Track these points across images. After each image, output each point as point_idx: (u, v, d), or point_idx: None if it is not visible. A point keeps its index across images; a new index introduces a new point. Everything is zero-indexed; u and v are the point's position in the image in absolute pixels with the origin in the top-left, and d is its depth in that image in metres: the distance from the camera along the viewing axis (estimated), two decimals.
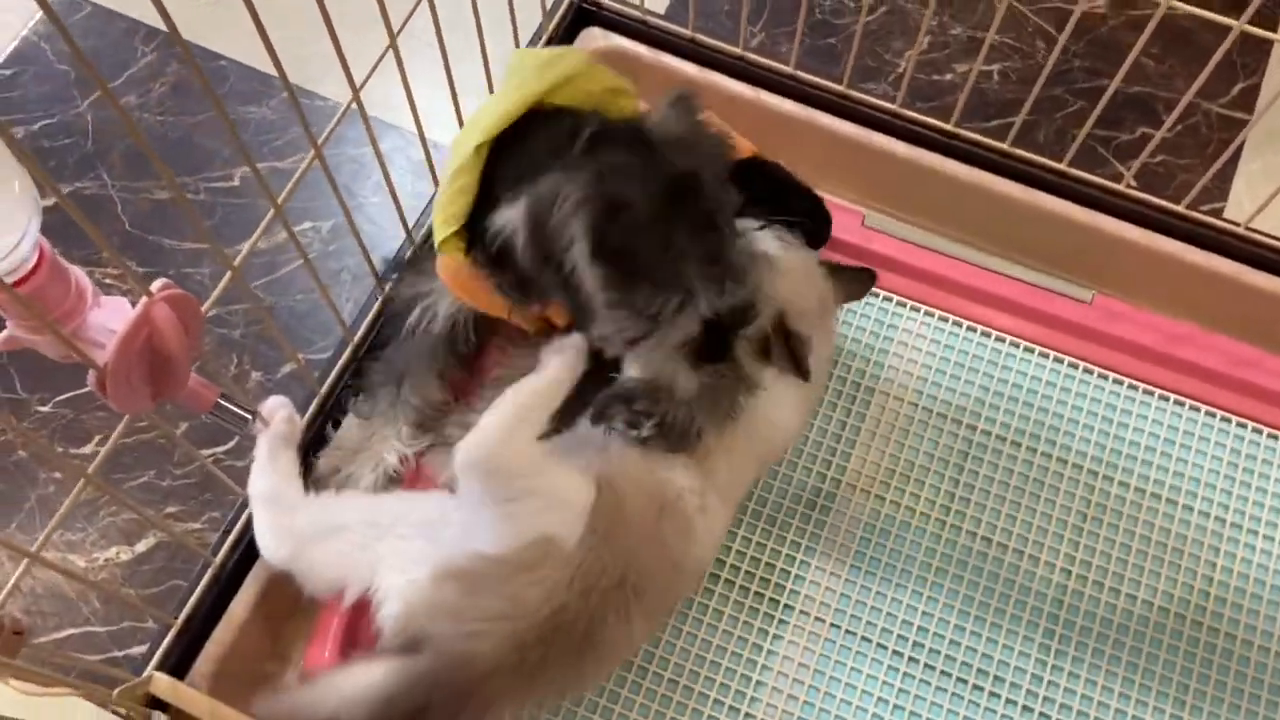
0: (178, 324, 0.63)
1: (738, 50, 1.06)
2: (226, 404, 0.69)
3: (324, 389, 0.90)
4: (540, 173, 0.70)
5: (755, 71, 1.06)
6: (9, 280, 0.58)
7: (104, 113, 1.14)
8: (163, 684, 0.79)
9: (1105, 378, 0.97)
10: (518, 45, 1.04)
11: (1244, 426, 0.94)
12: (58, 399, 1.00)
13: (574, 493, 0.75)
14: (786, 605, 0.88)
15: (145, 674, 0.79)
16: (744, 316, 0.76)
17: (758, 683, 0.86)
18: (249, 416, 0.69)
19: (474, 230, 0.77)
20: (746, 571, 0.89)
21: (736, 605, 0.88)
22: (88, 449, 0.98)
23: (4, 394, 1.00)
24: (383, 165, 0.84)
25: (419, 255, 0.89)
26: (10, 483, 0.97)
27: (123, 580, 0.93)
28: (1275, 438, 0.94)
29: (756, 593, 0.89)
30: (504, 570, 0.73)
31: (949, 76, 1.16)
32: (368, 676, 0.76)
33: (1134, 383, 0.96)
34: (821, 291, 0.87)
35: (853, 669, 0.86)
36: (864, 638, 0.87)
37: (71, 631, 0.91)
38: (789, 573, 0.89)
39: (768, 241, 0.84)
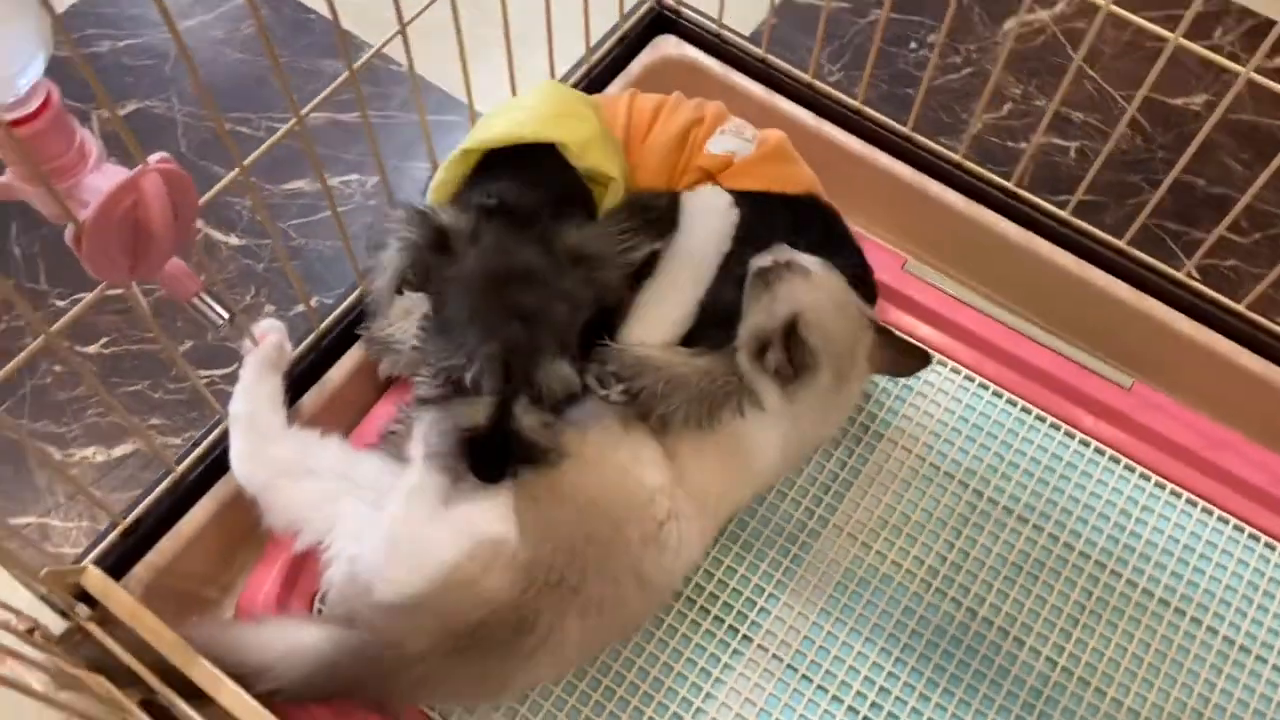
0: (166, 201, 0.62)
1: (807, 78, 1.04)
2: (206, 299, 0.68)
3: (322, 326, 0.89)
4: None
5: (821, 101, 1.04)
6: (7, 118, 0.58)
7: (188, 41, 1.17)
8: (94, 577, 0.77)
9: (1132, 470, 0.91)
10: (589, 44, 1.04)
11: (1271, 548, 0.87)
12: (74, 295, 1.01)
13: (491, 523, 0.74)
14: (745, 636, 0.83)
15: (80, 564, 0.78)
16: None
17: (698, 709, 0.80)
18: (224, 318, 0.68)
19: None
20: (711, 593, 0.85)
21: (694, 625, 0.84)
22: (93, 349, 0.99)
23: (27, 283, 1.02)
24: (425, 129, 0.84)
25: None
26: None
27: (92, 481, 0.92)
28: None
29: (717, 617, 0.84)
30: (444, 586, 0.72)
31: (1023, 145, 1.12)
32: (309, 638, 0.74)
33: (1161, 480, 0.90)
34: (852, 326, 0.83)
35: (800, 716, 0.80)
36: (819, 686, 0.81)
37: (30, 520, 0.91)
38: (754, 603, 0.84)
39: (809, 258, 0.83)
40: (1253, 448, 0.89)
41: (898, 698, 0.81)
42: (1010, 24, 1.20)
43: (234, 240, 1.05)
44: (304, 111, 0.72)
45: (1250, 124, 1.13)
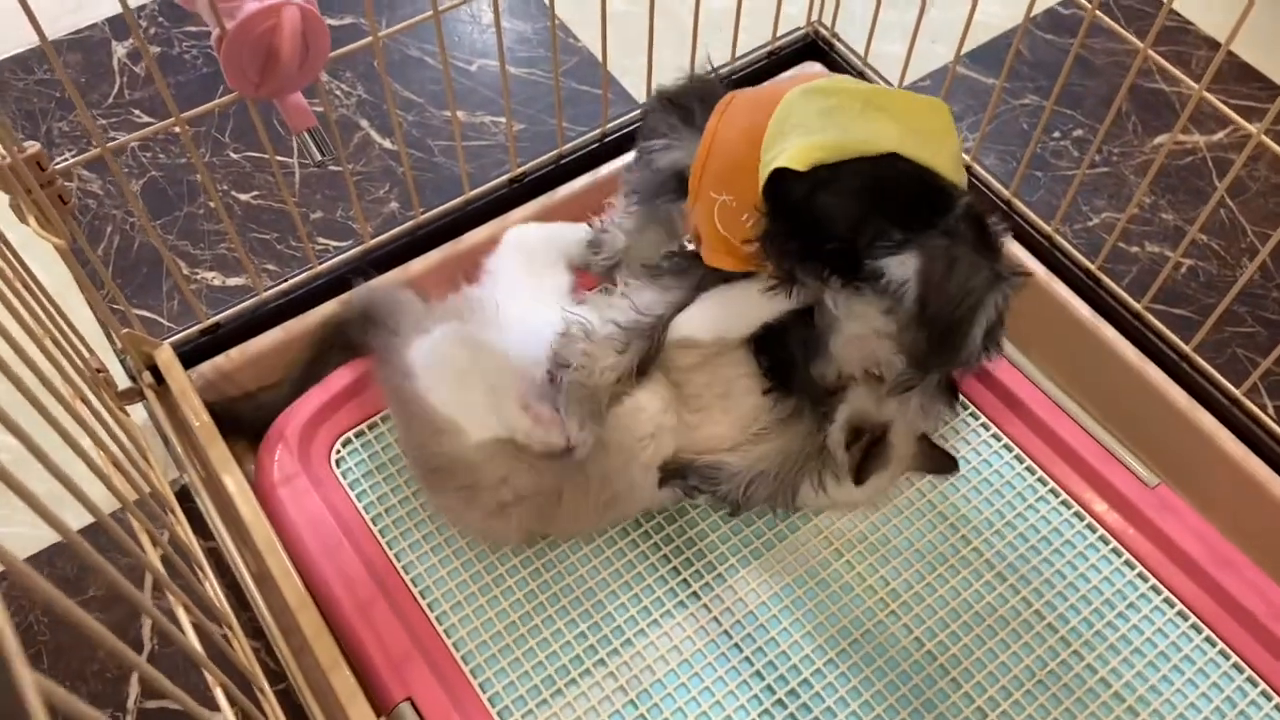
0: (298, 34, 0.74)
1: None
2: (312, 136, 0.80)
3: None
4: (920, 226, 0.73)
5: None
6: None
7: None
8: (165, 353, 0.90)
9: (1131, 566, 0.88)
10: (734, 52, 1.12)
11: (1253, 684, 0.83)
12: (246, 152, 1.17)
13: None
14: (695, 592, 0.87)
15: (158, 340, 0.91)
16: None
17: (628, 640, 0.84)
18: (321, 155, 0.80)
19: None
20: (678, 546, 0.89)
21: (651, 567, 0.88)
22: (244, 196, 1.14)
23: (215, 133, 1.18)
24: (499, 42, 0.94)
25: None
26: (176, 193, 1.14)
27: (203, 297, 1.06)
28: None
29: (675, 567, 0.88)
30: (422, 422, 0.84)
31: (1135, 249, 1.12)
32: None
33: (1157, 585, 0.87)
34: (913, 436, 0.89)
35: (721, 678, 0.83)
36: (747, 658, 0.84)
37: (144, 313, 1.05)
38: (714, 567, 0.88)
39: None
40: (1262, 576, 0.85)
41: (818, 693, 0.82)
42: (1162, 139, 1.20)
43: (387, 144, 1.18)
44: (443, 9, 0.84)
45: None
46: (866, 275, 0.73)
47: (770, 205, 0.76)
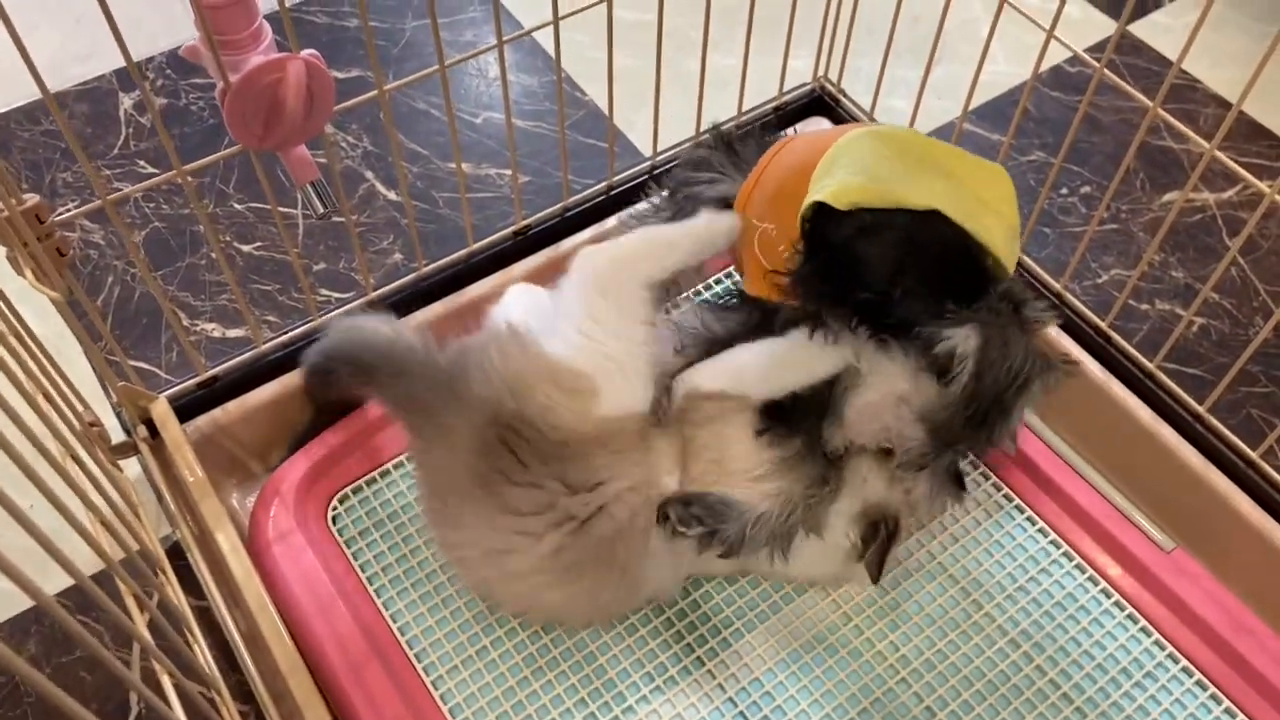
0: (304, 88, 0.74)
1: None
2: (315, 188, 0.79)
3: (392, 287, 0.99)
4: (965, 299, 0.72)
5: None
6: None
7: None
8: (160, 406, 0.88)
9: (1147, 633, 0.86)
10: (741, 107, 1.12)
11: None
12: (250, 203, 1.16)
13: (630, 372, 0.79)
14: (699, 658, 0.84)
15: (154, 394, 0.89)
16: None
17: (630, 708, 0.82)
18: (324, 207, 0.79)
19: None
20: (681, 608, 0.87)
21: (654, 631, 0.85)
22: (247, 248, 1.13)
23: (220, 184, 1.18)
24: (503, 80, 0.93)
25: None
26: (179, 244, 1.13)
27: (203, 350, 1.05)
28: None
29: (679, 631, 0.85)
30: (539, 372, 0.78)
31: (1145, 307, 1.11)
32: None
33: (1175, 653, 0.85)
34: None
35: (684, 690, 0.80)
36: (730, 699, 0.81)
37: (142, 364, 1.04)
38: (719, 631, 0.85)
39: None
40: (1278, 642, 0.83)
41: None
42: (1172, 196, 1.20)
43: (392, 196, 1.18)
44: (449, 64, 0.84)
45: None
46: (910, 335, 0.72)
47: (807, 241, 0.74)
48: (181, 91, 1.26)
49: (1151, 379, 0.95)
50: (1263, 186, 0.82)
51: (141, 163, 1.20)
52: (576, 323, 0.79)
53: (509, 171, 1.21)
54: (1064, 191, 1.20)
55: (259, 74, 0.72)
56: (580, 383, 0.77)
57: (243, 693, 0.81)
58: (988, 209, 0.75)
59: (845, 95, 1.15)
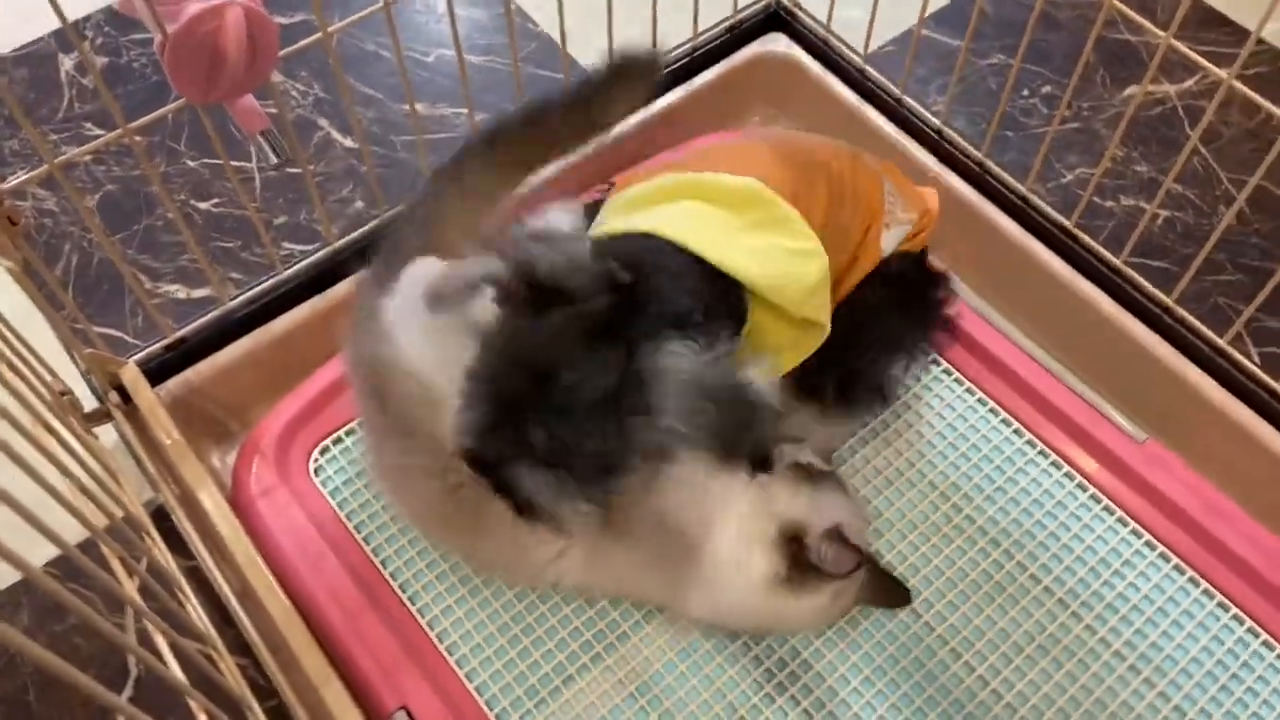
0: (244, 34, 0.72)
1: (897, 92, 1.07)
2: (268, 138, 0.77)
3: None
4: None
5: (906, 116, 1.06)
6: None
7: None
8: (130, 371, 0.87)
9: (1124, 523, 0.88)
10: (695, 29, 1.10)
11: (1254, 634, 0.83)
12: (203, 159, 1.14)
13: None
14: None
15: (123, 359, 0.88)
16: None
17: (624, 634, 0.83)
18: (277, 157, 0.77)
19: None
20: None
21: None
22: (204, 205, 1.11)
23: (170, 141, 1.16)
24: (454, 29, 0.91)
25: None
26: (133, 205, 1.11)
27: (169, 313, 1.04)
28: None
29: None
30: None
31: (1110, 204, 1.11)
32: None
33: (1152, 540, 0.87)
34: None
35: (720, 665, 0.82)
36: (745, 643, 0.83)
37: (108, 330, 1.03)
38: None
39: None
40: (1255, 525, 0.85)
41: (818, 673, 0.81)
42: (1132, 90, 1.19)
43: (348, 143, 1.16)
44: (392, 1, 0.82)
45: None
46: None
47: None
48: (122, 49, 1.23)
49: (1119, 274, 0.96)
50: (1220, 73, 0.82)
51: (89, 125, 1.17)
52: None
53: (465, 110, 1.19)
54: (1025, 93, 1.19)
55: (196, 23, 0.70)
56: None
57: (240, 645, 0.82)
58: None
59: (801, 8, 1.13)
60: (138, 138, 0.76)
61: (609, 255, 0.69)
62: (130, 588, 0.64)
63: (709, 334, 0.69)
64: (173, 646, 0.58)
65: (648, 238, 0.71)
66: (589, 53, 1.20)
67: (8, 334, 0.76)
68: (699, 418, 0.67)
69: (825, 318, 0.75)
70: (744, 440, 0.74)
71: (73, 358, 0.87)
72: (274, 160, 0.78)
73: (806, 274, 0.73)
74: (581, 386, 0.65)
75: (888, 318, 0.81)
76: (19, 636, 0.35)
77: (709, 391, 0.67)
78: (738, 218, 0.73)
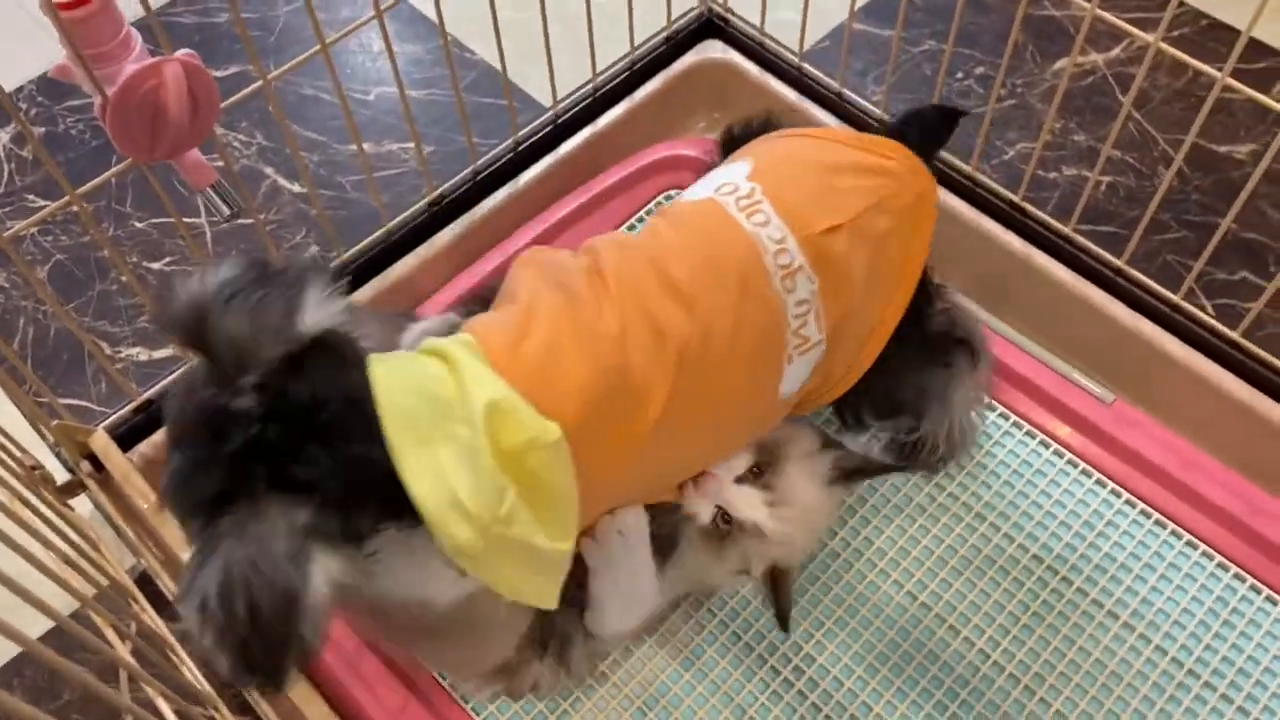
0: (184, 88, 0.72)
1: (836, 86, 1.08)
2: (216, 191, 0.77)
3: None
4: None
5: (847, 109, 1.08)
6: (58, 1, 0.68)
7: None
8: (99, 439, 0.86)
9: (1102, 484, 0.89)
10: (633, 43, 1.11)
11: (1241, 580, 0.84)
12: (151, 219, 1.13)
13: None
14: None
15: (91, 426, 0.87)
16: None
17: (626, 649, 0.83)
18: (229, 210, 0.77)
19: None
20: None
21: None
22: (157, 265, 1.10)
23: (116, 205, 1.14)
24: (392, 58, 0.92)
25: None
26: (85, 273, 1.10)
27: (133, 377, 1.02)
28: (1272, 600, 0.83)
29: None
30: None
31: (1053, 175, 1.13)
32: None
33: (1132, 498, 0.88)
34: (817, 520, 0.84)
35: (725, 668, 0.82)
36: (747, 644, 0.83)
37: (72, 401, 1.01)
38: None
39: (754, 510, 0.77)
40: (1230, 474, 0.87)
41: (822, 665, 0.82)
42: (1062, 63, 1.22)
43: (296, 188, 1.15)
44: (329, 41, 0.82)
45: None
46: None
47: None
48: (58, 117, 1.22)
49: (1070, 242, 0.98)
50: (1148, 37, 0.84)
51: (31, 197, 1.15)
52: None
53: (411, 145, 1.19)
54: (960, 75, 1.22)
55: (135, 82, 0.70)
56: None
57: (239, 704, 0.81)
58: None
59: (734, 14, 1.15)
60: (85, 203, 0.75)
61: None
62: (124, 652, 0.63)
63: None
64: (178, 713, 0.57)
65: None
66: (530, 79, 1.21)
67: None
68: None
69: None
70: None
71: (39, 431, 0.85)
72: (226, 213, 0.77)
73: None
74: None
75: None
76: (21, 704, 0.35)
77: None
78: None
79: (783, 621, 0.83)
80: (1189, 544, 0.86)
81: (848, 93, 1.08)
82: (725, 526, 0.77)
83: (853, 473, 0.85)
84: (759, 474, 0.78)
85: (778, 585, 0.82)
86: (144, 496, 0.83)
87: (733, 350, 0.68)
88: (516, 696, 0.80)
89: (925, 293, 0.80)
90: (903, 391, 0.82)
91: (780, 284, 0.69)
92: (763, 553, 0.80)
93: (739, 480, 0.77)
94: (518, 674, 0.77)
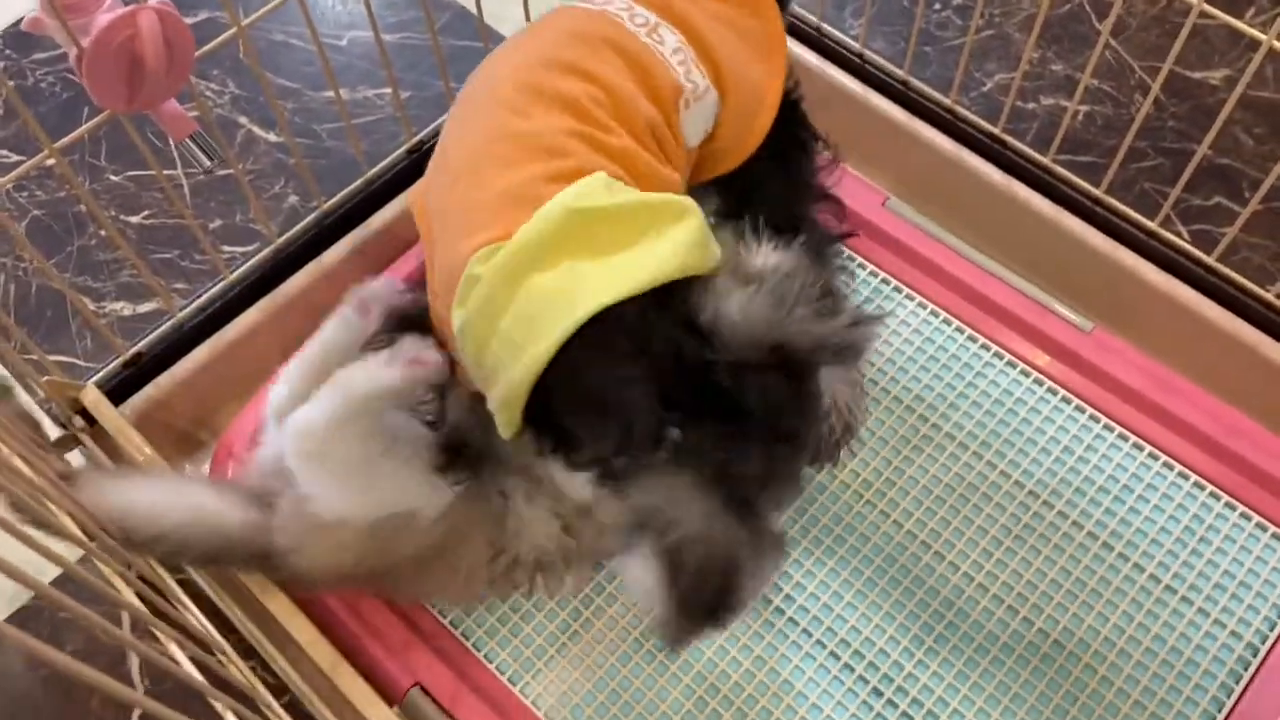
0: (159, 38, 0.71)
1: (815, 20, 1.08)
2: (196, 140, 0.77)
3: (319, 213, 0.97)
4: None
5: (826, 44, 1.08)
6: None
7: None
8: (90, 394, 0.87)
9: (1082, 410, 0.91)
10: None
11: (1216, 498, 0.87)
12: (128, 173, 1.12)
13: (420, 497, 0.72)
14: None
15: (81, 383, 0.87)
16: None
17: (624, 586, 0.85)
18: (209, 161, 0.77)
19: None
20: None
21: None
22: (135, 219, 1.09)
23: (90, 159, 1.13)
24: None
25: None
26: (63, 228, 1.09)
27: (117, 331, 1.02)
28: (1246, 517, 0.86)
29: None
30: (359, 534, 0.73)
31: (1031, 106, 1.14)
32: (214, 504, 0.74)
33: (1110, 423, 0.90)
34: None
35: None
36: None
37: (60, 358, 1.01)
38: None
39: None
40: (1207, 397, 0.89)
41: (812, 593, 0.84)
42: None
43: (272, 137, 1.14)
44: None
45: (1269, 101, 1.12)
46: None
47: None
48: (26, 70, 1.20)
49: (1049, 173, 0.98)
50: None
51: (4, 151, 1.14)
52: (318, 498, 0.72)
53: (388, 90, 1.17)
54: (937, 7, 1.21)
55: (111, 33, 0.69)
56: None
57: (244, 649, 0.82)
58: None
59: None
60: (61, 156, 0.75)
61: None
62: (130, 596, 0.64)
63: None
64: (193, 659, 0.59)
65: None
66: (505, 20, 1.19)
67: None
68: None
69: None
70: None
71: (28, 387, 0.85)
72: (207, 164, 0.77)
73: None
74: None
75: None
76: (33, 641, 0.36)
77: None
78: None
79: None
80: (1165, 465, 0.89)
81: (826, 27, 1.08)
82: None
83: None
84: None
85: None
86: (138, 449, 0.84)
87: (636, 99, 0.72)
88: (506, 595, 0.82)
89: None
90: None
91: (649, 39, 0.74)
92: None
93: None
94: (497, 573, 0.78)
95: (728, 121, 0.77)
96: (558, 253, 0.63)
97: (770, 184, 0.82)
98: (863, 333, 0.63)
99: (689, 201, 0.67)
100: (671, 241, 0.63)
